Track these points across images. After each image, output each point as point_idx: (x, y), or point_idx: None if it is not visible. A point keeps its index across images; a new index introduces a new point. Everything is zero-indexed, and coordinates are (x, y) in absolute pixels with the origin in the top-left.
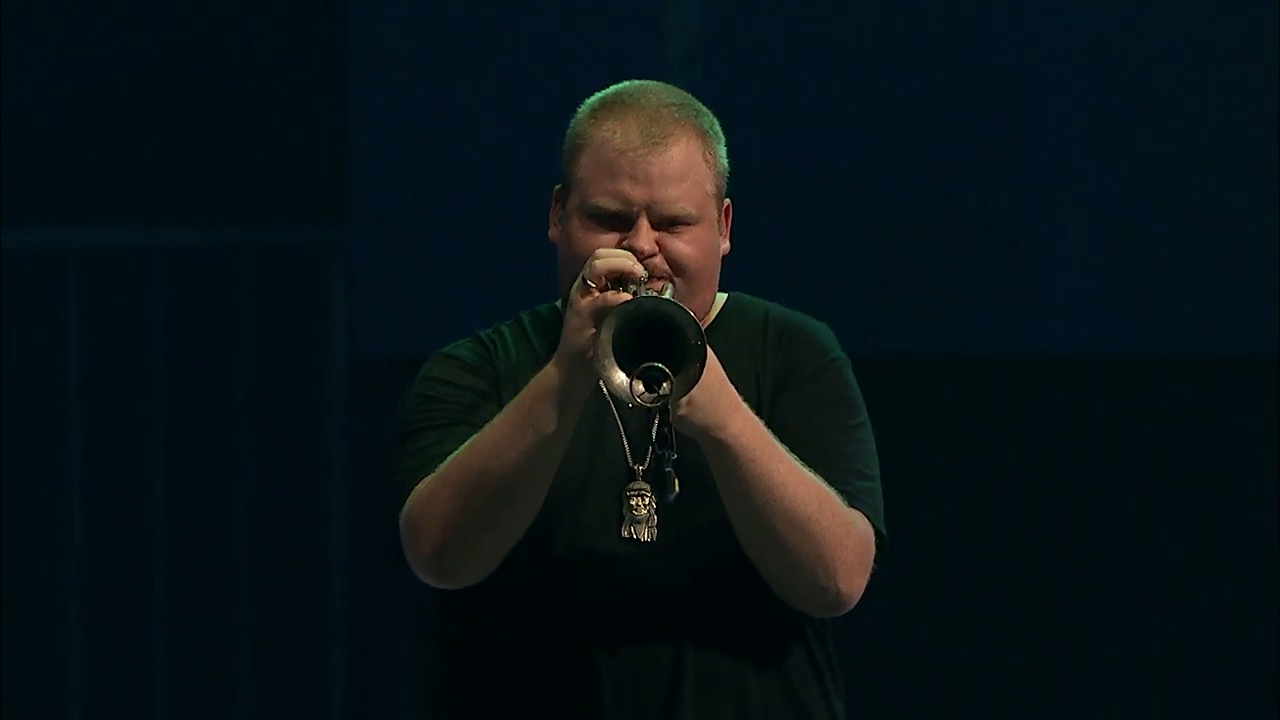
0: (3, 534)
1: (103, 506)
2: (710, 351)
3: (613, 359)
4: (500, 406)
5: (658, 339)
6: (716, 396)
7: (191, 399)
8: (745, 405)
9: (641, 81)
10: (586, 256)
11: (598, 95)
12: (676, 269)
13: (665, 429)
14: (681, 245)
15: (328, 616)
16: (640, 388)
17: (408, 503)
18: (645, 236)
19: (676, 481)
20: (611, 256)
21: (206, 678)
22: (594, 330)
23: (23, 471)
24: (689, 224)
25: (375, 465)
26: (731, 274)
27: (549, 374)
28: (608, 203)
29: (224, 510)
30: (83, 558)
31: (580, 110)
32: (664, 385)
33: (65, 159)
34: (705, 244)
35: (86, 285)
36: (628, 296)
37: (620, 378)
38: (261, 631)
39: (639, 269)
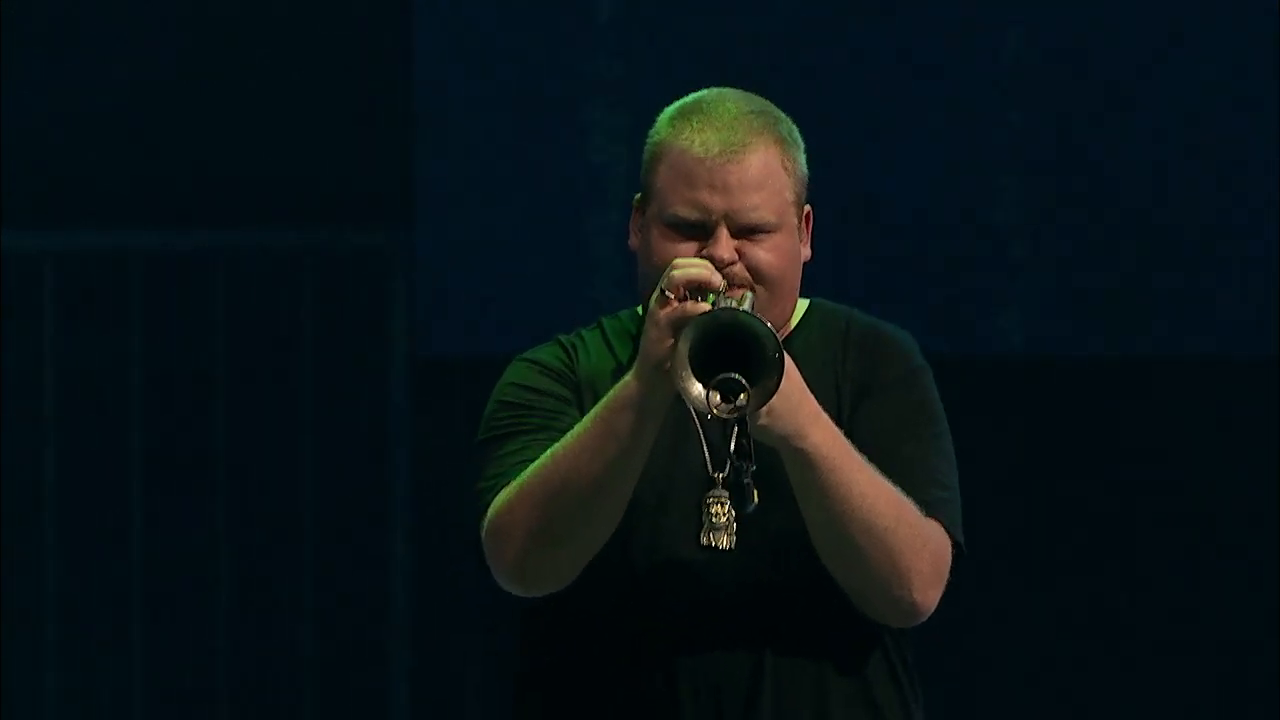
0: (66, 534)
1: (165, 508)
2: (790, 360)
3: (689, 371)
4: (581, 412)
5: (735, 350)
6: (797, 406)
7: (254, 401)
8: (825, 415)
9: (720, 89)
10: (665, 265)
11: (676, 103)
12: (757, 277)
13: (744, 440)
14: (761, 253)
15: (391, 618)
16: (717, 399)
17: (490, 512)
18: (725, 245)
19: (756, 492)
20: (689, 267)
21: (270, 679)
22: (672, 341)
23: (85, 472)
24: (768, 232)
25: (438, 467)
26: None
27: (628, 385)
28: (687, 212)
29: (287, 512)
30: (145, 559)
31: (659, 119)
32: (741, 396)
33: (129, 161)
34: (785, 251)
35: (149, 287)
36: (706, 306)
37: (697, 389)
38: (325, 633)
39: (717, 278)
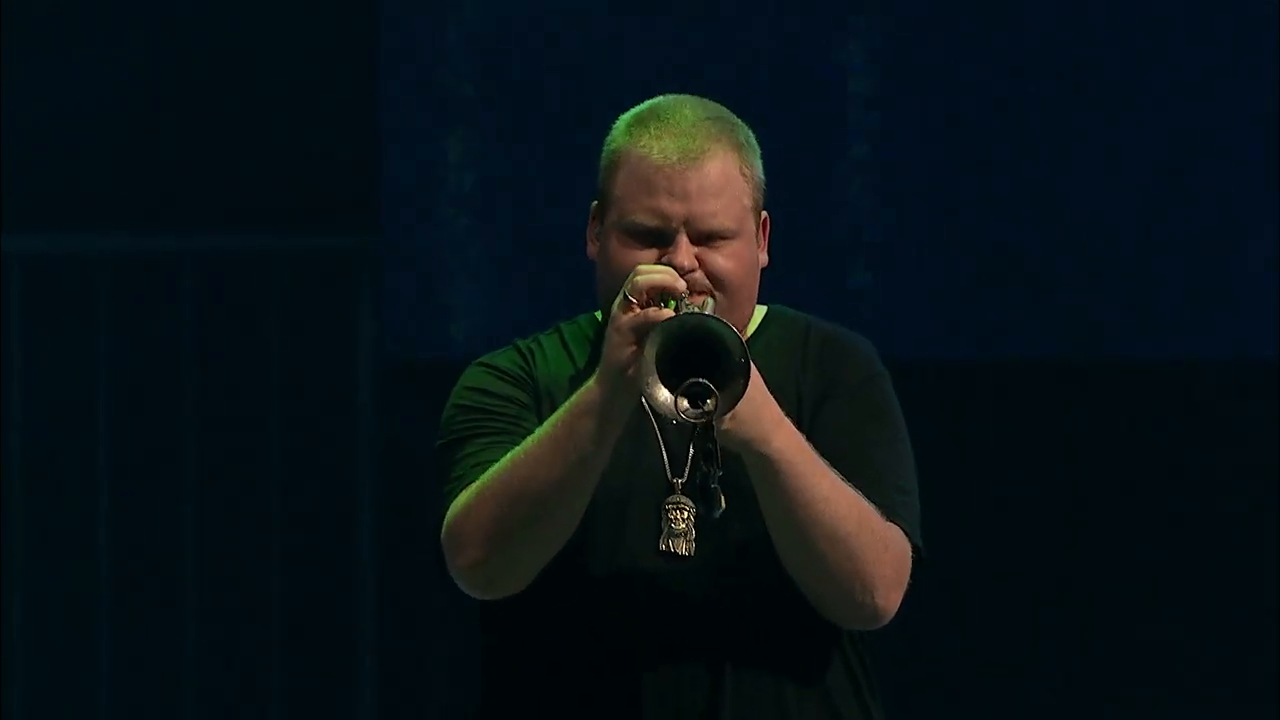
0: (34, 538)
1: (132, 511)
2: (753, 365)
3: (656, 376)
4: (540, 418)
5: (702, 355)
6: (759, 410)
7: (221, 403)
8: (788, 420)
9: (677, 95)
10: (625, 273)
11: (633, 110)
12: (716, 283)
13: (710, 445)
14: (721, 260)
15: (357, 620)
16: (685, 404)
17: (448, 514)
18: (685, 252)
19: (723, 497)
20: (653, 273)
21: (236, 681)
22: (635, 346)
23: (52, 476)
24: (728, 238)
25: (404, 469)
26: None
27: (590, 390)
28: (646, 219)
29: (253, 514)
30: (112, 563)
31: (616, 126)
32: (709, 402)
33: (97, 163)
34: (744, 258)
35: (117, 290)
36: (670, 312)
37: (664, 395)
38: (291, 635)
39: (680, 284)
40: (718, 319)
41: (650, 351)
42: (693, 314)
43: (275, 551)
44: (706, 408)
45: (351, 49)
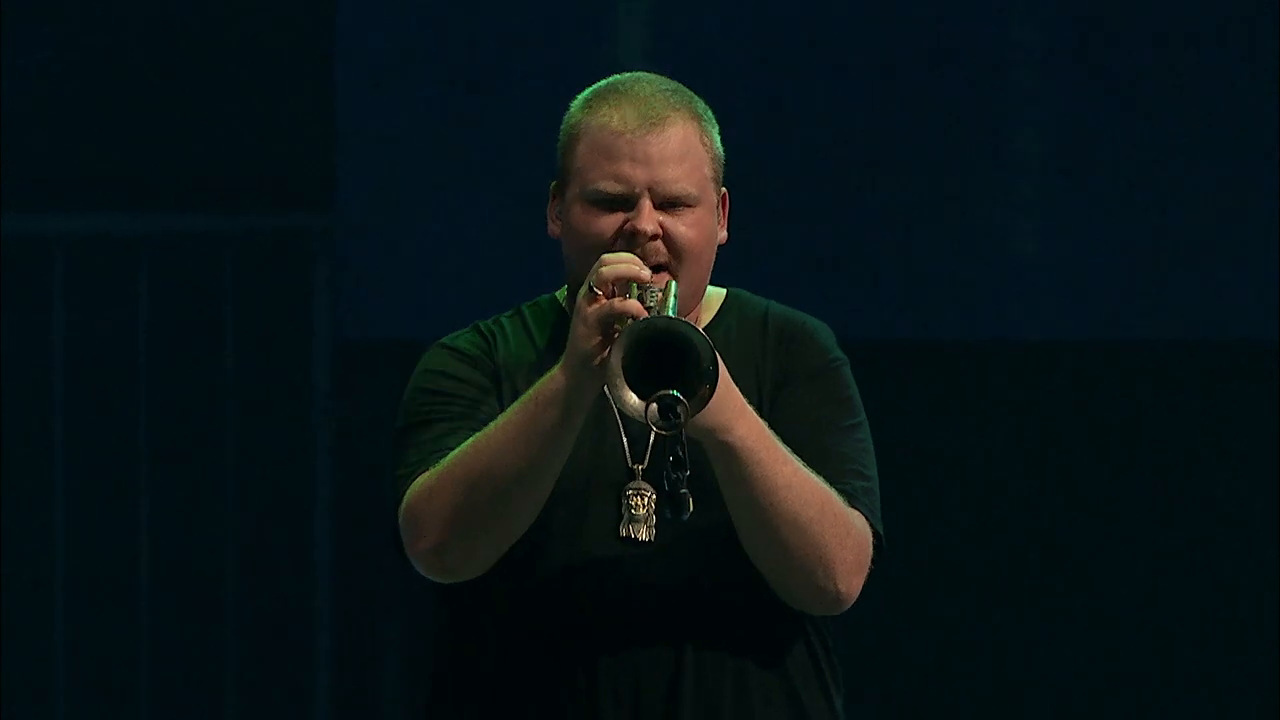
0: None
1: (87, 494)
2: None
3: (624, 380)
4: (500, 401)
5: (669, 356)
6: (722, 399)
7: (176, 385)
8: (750, 408)
9: (633, 72)
10: (592, 241)
11: (589, 89)
12: (675, 252)
13: (679, 449)
14: (682, 228)
15: (313, 601)
16: (654, 413)
17: (407, 497)
18: (648, 217)
19: (692, 501)
20: (618, 263)
21: (191, 665)
22: (601, 338)
23: (6, 459)
24: (690, 205)
25: (360, 451)
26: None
27: (555, 379)
28: (609, 185)
29: (209, 494)
30: (67, 546)
31: (573, 104)
32: (678, 410)
33: (51, 145)
34: (705, 227)
35: (72, 271)
36: (635, 303)
37: (634, 400)
38: (247, 618)
39: (645, 273)
40: (686, 322)
41: (617, 356)
42: (661, 317)
43: (231, 533)
44: (676, 418)
45: (308, 30)
